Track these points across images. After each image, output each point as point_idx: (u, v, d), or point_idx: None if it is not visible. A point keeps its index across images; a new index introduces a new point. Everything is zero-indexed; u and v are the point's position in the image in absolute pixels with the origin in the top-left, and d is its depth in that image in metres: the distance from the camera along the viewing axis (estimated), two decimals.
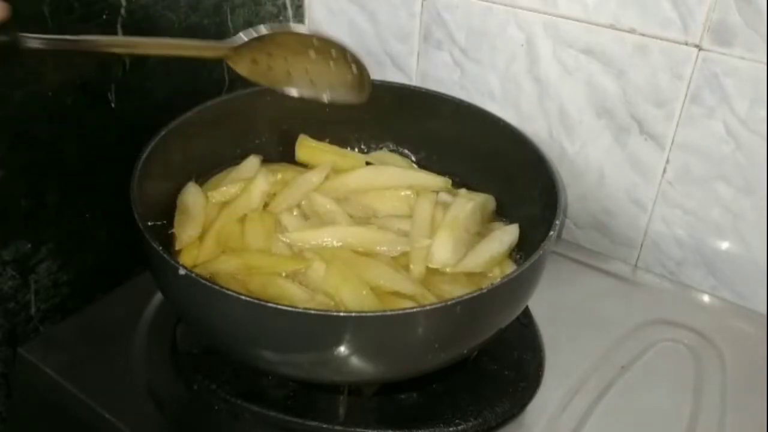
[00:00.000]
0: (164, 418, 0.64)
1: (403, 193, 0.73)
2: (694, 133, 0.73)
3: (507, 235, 0.70)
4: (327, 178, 0.74)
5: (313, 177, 0.74)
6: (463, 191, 0.75)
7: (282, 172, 0.75)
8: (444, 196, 0.74)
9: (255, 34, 0.57)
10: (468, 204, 0.71)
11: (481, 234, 0.71)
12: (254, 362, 0.62)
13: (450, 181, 0.76)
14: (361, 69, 0.62)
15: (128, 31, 0.70)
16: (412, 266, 0.66)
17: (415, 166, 0.80)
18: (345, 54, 0.61)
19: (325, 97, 0.64)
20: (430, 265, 0.66)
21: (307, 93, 0.63)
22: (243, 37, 0.57)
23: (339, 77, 0.62)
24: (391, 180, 0.75)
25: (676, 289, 0.80)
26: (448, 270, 0.66)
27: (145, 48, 0.58)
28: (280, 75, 0.61)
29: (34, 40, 0.47)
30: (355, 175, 0.75)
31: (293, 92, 0.63)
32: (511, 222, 0.72)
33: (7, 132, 0.64)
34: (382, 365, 0.58)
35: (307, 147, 0.77)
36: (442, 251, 0.66)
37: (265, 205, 0.72)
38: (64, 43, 0.50)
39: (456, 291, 0.64)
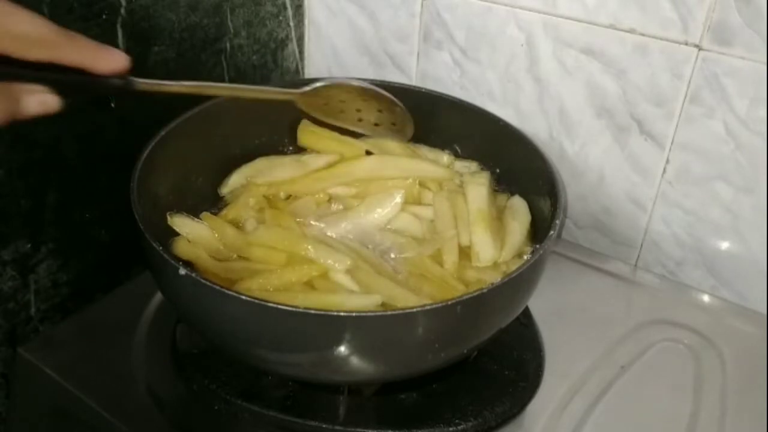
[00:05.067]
0: (164, 418, 0.64)
1: (408, 182, 0.74)
2: (694, 133, 0.73)
3: (522, 212, 0.70)
4: (332, 166, 0.75)
5: (319, 161, 0.76)
6: (466, 175, 0.75)
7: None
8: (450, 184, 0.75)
9: (320, 84, 0.67)
10: (482, 189, 0.71)
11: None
12: (254, 362, 0.62)
13: (453, 172, 0.76)
14: (406, 120, 0.73)
15: (128, 30, 0.70)
16: (445, 257, 0.66)
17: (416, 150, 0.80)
18: (394, 105, 0.72)
19: (371, 133, 0.76)
20: (480, 265, 0.66)
21: (355, 128, 0.75)
22: (313, 85, 0.67)
23: (384, 120, 0.73)
24: (396, 170, 0.75)
25: (676, 289, 0.80)
26: (500, 261, 0.66)
27: (237, 92, 0.66)
28: (335, 112, 0.72)
29: (141, 84, 0.53)
30: (360, 165, 0.75)
31: (345, 126, 0.74)
32: (511, 194, 0.73)
33: (7, 132, 0.64)
34: (382, 365, 0.57)
35: (308, 132, 0.77)
36: (486, 249, 0.66)
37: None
38: (166, 87, 0.57)
39: (486, 277, 0.64)
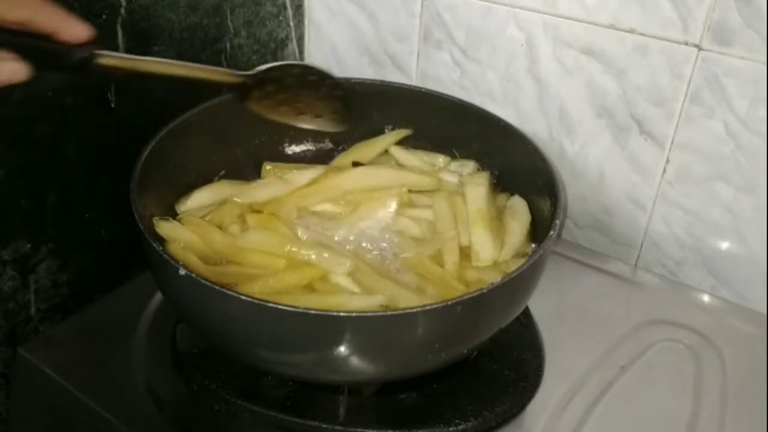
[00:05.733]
0: (164, 418, 0.64)
1: (396, 191, 0.73)
2: (694, 133, 0.73)
3: (522, 211, 0.70)
4: (317, 182, 0.74)
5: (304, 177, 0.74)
6: (465, 176, 0.75)
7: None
8: (448, 177, 0.75)
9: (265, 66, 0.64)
10: (481, 189, 0.71)
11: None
12: (254, 362, 0.62)
13: (441, 181, 0.76)
14: (348, 105, 0.70)
15: (128, 30, 0.70)
16: (445, 257, 0.66)
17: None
18: (334, 89, 0.69)
19: (308, 125, 0.71)
20: (479, 265, 0.66)
21: (296, 122, 0.70)
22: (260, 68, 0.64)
23: (325, 110, 0.70)
24: (384, 180, 0.75)
25: (676, 289, 0.80)
26: (500, 261, 0.66)
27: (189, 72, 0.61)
28: (277, 105, 0.67)
29: (103, 57, 0.52)
30: (347, 177, 0.75)
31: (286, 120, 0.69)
32: (511, 194, 0.73)
33: (7, 132, 0.64)
34: (382, 365, 0.58)
35: (273, 171, 0.76)
36: (486, 249, 0.66)
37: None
38: (132, 63, 0.56)
39: (486, 277, 0.64)
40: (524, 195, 0.72)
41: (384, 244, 0.68)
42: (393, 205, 0.71)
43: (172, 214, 0.69)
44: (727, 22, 0.67)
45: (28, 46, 0.49)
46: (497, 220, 0.70)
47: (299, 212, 0.71)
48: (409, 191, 0.73)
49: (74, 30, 0.51)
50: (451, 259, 0.66)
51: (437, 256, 0.67)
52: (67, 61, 0.52)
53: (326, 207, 0.72)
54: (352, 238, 0.69)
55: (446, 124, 0.77)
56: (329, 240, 0.68)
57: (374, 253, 0.68)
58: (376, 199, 0.71)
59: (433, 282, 0.64)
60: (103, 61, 0.53)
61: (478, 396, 0.64)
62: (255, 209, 0.71)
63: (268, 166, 0.76)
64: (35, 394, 0.70)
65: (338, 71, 0.93)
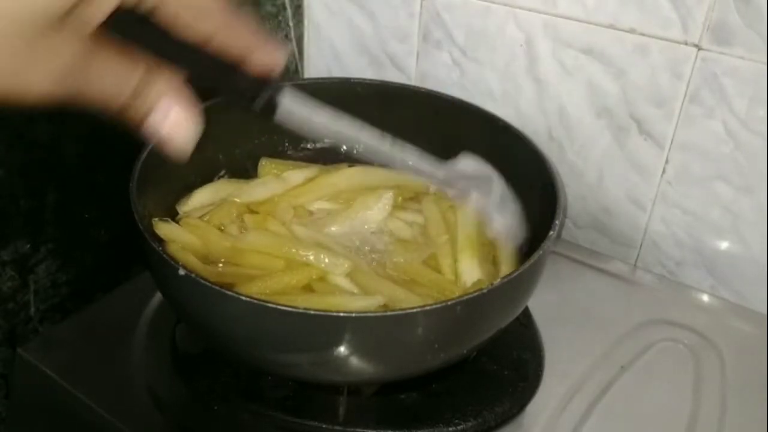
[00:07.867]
0: (164, 418, 0.64)
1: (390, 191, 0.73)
2: (694, 133, 0.73)
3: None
4: (312, 180, 0.75)
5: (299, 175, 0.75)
6: None
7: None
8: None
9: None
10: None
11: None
12: (254, 362, 0.62)
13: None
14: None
15: None
16: (441, 261, 0.66)
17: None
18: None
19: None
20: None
21: None
22: None
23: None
24: (380, 180, 0.75)
25: (676, 289, 0.80)
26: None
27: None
28: None
29: (286, 105, 0.41)
30: (343, 176, 0.75)
31: None
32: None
33: (7, 132, 0.64)
34: (382, 365, 0.57)
35: (271, 167, 0.76)
36: (473, 276, 0.65)
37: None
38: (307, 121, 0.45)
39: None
40: (524, 195, 0.72)
41: (377, 246, 0.68)
42: (387, 206, 0.71)
43: (172, 214, 0.69)
44: (726, 22, 0.67)
45: (212, 77, 0.39)
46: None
47: (295, 210, 0.71)
48: (400, 197, 0.73)
49: (266, 56, 0.38)
50: (447, 263, 0.66)
51: (431, 260, 0.67)
52: (254, 102, 0.41)
53: (321, 205, 0.73)
54: (345, 238, 0.69)
55: (446, 124, 0.77)
56: (327, 240, 0.68)
57: (368, 253, 0.68)
58: (369, 199, 0.72)
59: (429, 285, 0.64)
60: (281, 114, 0.42)
61: (478, 396, 0.64)
62: (252, 209, 0.72)
63: (264, 162, 0.76)
64: (35, 394, 0.70)
65: (338, 71, 0.94)
